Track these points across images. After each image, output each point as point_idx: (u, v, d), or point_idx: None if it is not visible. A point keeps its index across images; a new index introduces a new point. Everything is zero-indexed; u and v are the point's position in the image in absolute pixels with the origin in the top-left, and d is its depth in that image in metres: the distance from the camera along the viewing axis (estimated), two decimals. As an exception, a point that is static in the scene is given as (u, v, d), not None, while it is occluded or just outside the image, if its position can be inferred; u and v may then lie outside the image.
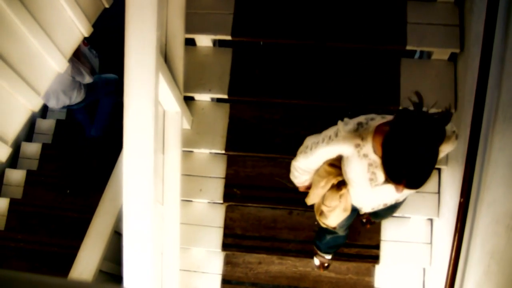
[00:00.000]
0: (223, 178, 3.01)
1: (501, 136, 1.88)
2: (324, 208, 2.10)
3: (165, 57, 2.57)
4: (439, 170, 2.83)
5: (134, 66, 1.95)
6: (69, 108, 4.44)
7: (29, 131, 4.34)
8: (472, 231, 2.08)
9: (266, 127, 2.99)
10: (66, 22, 1.98)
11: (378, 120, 1.68)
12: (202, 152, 3.05)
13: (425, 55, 3.17)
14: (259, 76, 2.99)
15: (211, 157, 3.06)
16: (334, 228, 2.23)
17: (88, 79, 3.55)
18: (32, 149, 4.13)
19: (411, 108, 1.46)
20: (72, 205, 3.66)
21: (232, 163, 3.03)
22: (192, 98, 3.07)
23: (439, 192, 2.82)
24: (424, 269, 2.89)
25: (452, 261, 2.07)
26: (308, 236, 2.90)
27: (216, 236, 2.97)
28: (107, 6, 2.23)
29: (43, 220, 3.57)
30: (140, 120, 1.95)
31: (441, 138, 1.42)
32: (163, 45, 2.53)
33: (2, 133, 1.76)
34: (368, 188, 1.81)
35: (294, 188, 2.23)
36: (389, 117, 1.65)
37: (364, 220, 2.86)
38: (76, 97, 3.68)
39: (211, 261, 3.01)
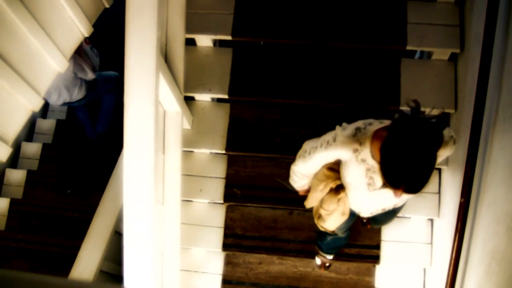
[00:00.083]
0: (223, 178, 3.01)
1: (501, 136, 1.88)
2: (322, 212, 2.10)
3: (166, 57, 2.57)
4: (439, 170, 2.83)
5: (134, 66, 1.95)
6: (69, 107, 4.45)
7: (29, 131, 4.34)
8: (472, 231, 2.08)
9: (266, 127, 2.99)
10: (67, 22, 1.98)
11: (376, 125, 1.69)
12: (203, 152, 3.05)
13: (426, 55, 3.17)
14: (260, 76, 2.99)
15: (211, 157, 3.06)
16: (333, 232, 2.24)
17: (90, 75, 3.58)
18: (32, 149, 4.13)
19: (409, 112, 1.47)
20: (73, 205, 3.66)
21: (232, 163, 3.03)
22: (192, 98, 3.07)
23: (439, 192, 2.82)
24: (424, 269, 2.88)
25: (452, 261, 2.07)
26: (309, 236, 2.90)
27: (216, 236, 2.97)
28: (107, 6, 2.23)
29: (44, 220, 3.57)
30: (141, 120, 1.95)
31: (439, 142, 1.43)
32: (164, 45, 2.53)
33: (3, 133, 1.76)
34: (366, 192, 1.82)
35: (294, 190, 2.24)
36: (387, 122, 1.65)
37: (364, 221, 2.86)
38: (77, 94, 3.69)
39: (211, 261, 3.01)
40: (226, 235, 2.96)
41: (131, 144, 1.96)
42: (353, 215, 2.16)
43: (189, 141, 2.97)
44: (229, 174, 3.01)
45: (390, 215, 2.40)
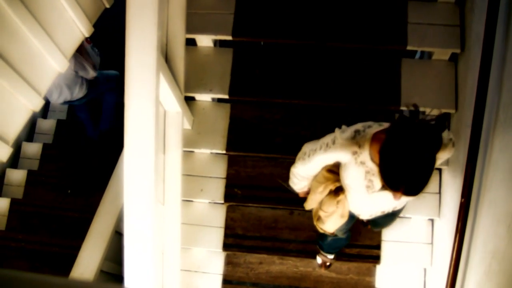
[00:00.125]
0: (224, 178, 3.01)
1: (502, 137, 1.88)
2: (321, 214, 2.11)
3: (166, 57, 2.57)
4: (440, 170, 2.83)
5: (134, 66, 1.95)
6: (70, 106, 4.46)
7: (30, 131, 4.34)
8: (473, 231, 2.08)
9: (267, 127, 2.99)
10: (67, 22, 1.98)
11: (375, 127, 1.69)
12: (203, 152, 3.05)
13: (426, 55, 3.17)
14: (260, 76, 2.99)
15: (212, 157, 3.06)
16: (332, 234, 2.24)
17: (92, 74, 3.59)
18: (33, 149, 4.14)
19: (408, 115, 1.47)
20: (73, 205, 3.66)
21: (233, 163, 3.03)
22: (193, 98, 3.07)
23: (440, 192, 2.82)
24: (425, 269, 2.88)
25: (453, 261, 2.07)
26: (309, 236, 2.90)
27: (217, 236, 2.97)
28: (107, 6, 2.23)
29: (44, 220, 3.56)
30: (141, 120, 1.95)
31: (438, 144, 1.43)
32: (164, 45, 2.53)
33: (3, 133, 1.76)
34: (365, 195, 1.82)
35: (294, 192, 2.24)
36: (386, 125, 1.65)
37: (365, 221, 2.86)
38: (78, 92, 3.70)
39: (212, 261, 3.01)
40: (226, 235, 2.96)
41: (131, 144, 1.96)
42: (352, 218, 2.16)
43: (190, 141, 2.97)
44: (230, 174, 3.01)
45: (390, 218, 2.40)
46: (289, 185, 2.17)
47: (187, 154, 3.00)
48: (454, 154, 2.41)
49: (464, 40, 2.73)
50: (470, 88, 2.41)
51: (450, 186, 2.61)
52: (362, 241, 2.88)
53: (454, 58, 2.87)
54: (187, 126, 2.95)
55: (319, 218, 2.15)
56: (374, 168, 1.67)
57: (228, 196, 2.97)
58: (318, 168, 1.93)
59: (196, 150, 3.04)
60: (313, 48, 3.03)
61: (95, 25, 2.15)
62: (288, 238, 2.93)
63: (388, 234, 2.88)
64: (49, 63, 1.91)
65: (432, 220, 2.87)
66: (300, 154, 1.96)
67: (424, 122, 1.43)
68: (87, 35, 2.12)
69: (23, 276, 0.59)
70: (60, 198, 3.74)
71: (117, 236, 2.60)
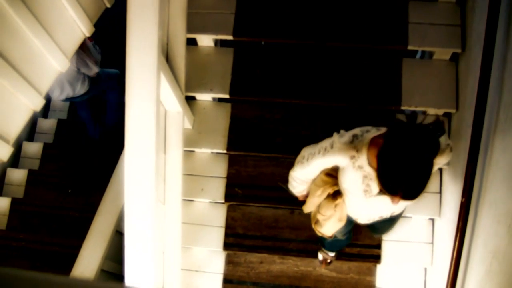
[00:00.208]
0: (224, 177, 3.01)
1: (502, 137, 1.88)
2: (319, 217, 2.12)
3: (167, 57, 2.57)
4: (440, 170, 2.83)
5: (135, 66, 1.95)
6: (71, 104, 4.46)
7: (30, 131, 4.35)
8: (473, 231, 2.08)
9: (268, 127, 2.99)
10: (68, 22, 1.98)
11: (373, 132, 1.71)
12: (204, 151, 3.05)
13: (427, 55, 3.16)
14: (261, 76, 2.99)
15: (212, 156, 3.07)
16: (330, 237, 2.25)
17: (95, 70, 3.60)
18: (33, 148, 4.14)
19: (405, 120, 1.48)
20: (74, 205, 3.66)
21: (233, 162, 3.03)
22: (193, 98, 3.07)
23: (440, 192, 2.82)
24: (425, 269, 2.88)
25: (453, 261, 2.07)
26: (310, 236, 2.90)
27: (217, 235, 2.97)
28: (108, 5, 2.23)
29: (45, 220, 3.57)
30: (142, 120, 1.95)
31: (435, 148, 1.44)
32: (165, 45, 2.53)
33: (4, 132, 1.76)
34: (363, 199, 1.83)
35: (294, 196, 2.25)
36: (384, 130, 1.66)
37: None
38: (80, 89, 3.71)
39: (212, 260, 3.01)
40: (227, 235, 2.96)
41: (132, 143, 1.96)
42: (350, 221, 2.17)
43: (190, 141, 2.97)
44: (230, 174, 3.01)
45: (388, 223, 2.42)
46: (288, 188, 2.18)
47: (188, 154, 3.01)
48: (454, 154, 2.42)
49: (465, 40, 2.73)
50: (471, 88, 2.41)
51: (451, 185, 2.61)
52: (362, 240, 2.88)
53: (455, 58, 2.86)
54: (188, 125, 2.95)
55: (317, 222, 2.17)
56: (371, 172, 1.69)
57: (229, 195, 2.97)
58: (316, 172, 1.94)
59: (196, 150, 3.04)
60: (313, 48, 3.03)
61: (95, 25, 2.15)
62: (289, 238, 2.93)
63: (389, 234, 2.88)
64: (49, 62, 1.91)
65: (432, 220, 2.87)
66: (299, 158, 1.97)
67: (421, 126, 1.44)
68: (88, 34, 2.12)
69: (24, 274, 0.59)
70: (60, 197, 3.74)
71: (118, 235, 2.61)
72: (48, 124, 4.38)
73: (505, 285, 1.66)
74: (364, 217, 2.09)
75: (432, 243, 2.84)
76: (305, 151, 1.94)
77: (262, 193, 2.96)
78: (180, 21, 2.59)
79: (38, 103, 1.89)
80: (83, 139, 4.25)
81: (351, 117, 2.93)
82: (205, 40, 3.04)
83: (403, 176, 1.43)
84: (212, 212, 3.01)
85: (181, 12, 2.59)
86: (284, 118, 3.00)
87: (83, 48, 3.46)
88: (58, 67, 1.96)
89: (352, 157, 1.72)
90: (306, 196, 2.17)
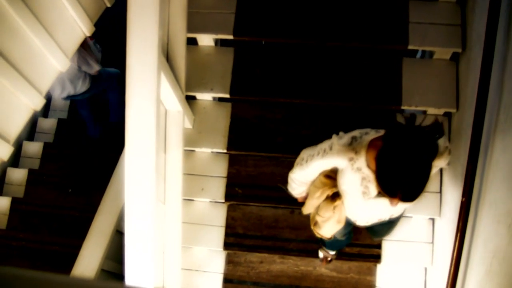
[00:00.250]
0: (224, 177, 3.01)
1: (502, 137, 1.88)
2: (318, 219, 2.13)
3: (167, 56, 2.57)
4: (441, 169, 2.82)
5: (135, 65, 1.95)
6: (72, 104, 4.47)
7: (30, 130, 4.35)
8: (473, 230, 2.08)
9: (268, 127, 2.99)
10: (68, 21, 1.98)
11: (372, 134, 1.72)
12: (204, 151, 3.05)
13: (427, 54, 3.16)
14: (261, 76, 2.99)
15: (212, 156, 3.07)
16: (329, 238, 2.25)
17: (96, 68, 3.61)
18: (33, 148, 4.14)
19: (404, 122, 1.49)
20: (74, 204, 3.67)
21: (234, 162, 3.03)
22: (194, 97, 3.07)
23: (440, 192, 2.82)
24: (425, 269, 2.88)
25: (453, 261, 2.07)
26: (310, 236, 2.89)
27: (217, 235, 2.97)
28: (108, 5, 2.23)
29: (45, 219, 3.57)
30: (142, 119, 1.96)
31: (434, 151, 1.44)
32: (165, 45, 2.53)
33: (4, 132, 1.76)
34: (362, 201, 1.84)
35: (293, 197, 2.26)
36: (383, 132, 1.66)
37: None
38: (81, 87, 3.72)
39: (212, 260, 3.01)
40: (227, 234, 2.96)
41: (132, 143, 1.96)
42: (349, 223, 2.17)
43: (191, 140, 2.97)
44: (231, 173, 3.01)
45: (387, 226, 2.42)
46: (288, 190, 2.19)
47: (188, 153, 3.01)
48: (455, 154, 2.42)
49: (465, 40, 2.72)
50: (471, 87, 2.41)
51: (451, 185, 2.61)
52: (362, 240, 2.88)
53: (455, 58, 2.86)
54: (188, 125, 2.95)
55: (316, 223, 2.17)
56: (370, 174, 1.69)
57: (229, 195, 2.97)
58: (315, 173, 1.95)
59: (197, 149, 3.04)
60: (314, 48, 3.03)
61: (96, 24, 2.15)
62: (289, 237, 2.93)
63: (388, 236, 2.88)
64: (50, 62, 1.91)
65: (432, 220, 2.87)
66: (298, 160, 1.98)
67: (420, 129, 1.45)
68: (88, 34, 2.12)
69: (25, 274, 0.59)
70: (61, 197, 3.74)
71: (118, 235, 2.61)
72: (48, 124, 4.39)
73: (506, 285, 1.66)
74: (363, 219, 2.09)
75: (432, 243, 2.84)
76: (304, 153, 1.95)
77: (262, 192, 2.96)
78: (181, 20, 2.59)
79: (38, 103, 1.89)
80: (83, 138, 4.26)
81: (352, 117, 2.93)
82: (206, 40, 3.04)
83: (401, 178, 1.44)
84: (212, 212, 3.01)
85: (181, 12, 2.59)
86: (285, 117, 3.00)
87: (84, 46, 3.47)
88: (58, 67, 1.96)
89: (351, 159, 1.72)
90: (305, 197, 2.18)
